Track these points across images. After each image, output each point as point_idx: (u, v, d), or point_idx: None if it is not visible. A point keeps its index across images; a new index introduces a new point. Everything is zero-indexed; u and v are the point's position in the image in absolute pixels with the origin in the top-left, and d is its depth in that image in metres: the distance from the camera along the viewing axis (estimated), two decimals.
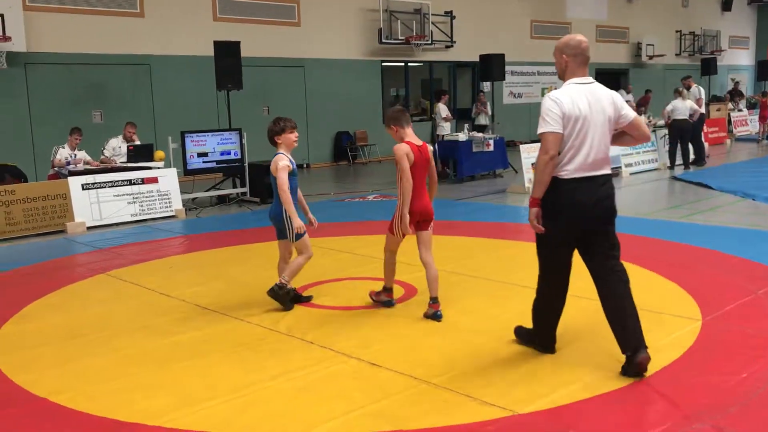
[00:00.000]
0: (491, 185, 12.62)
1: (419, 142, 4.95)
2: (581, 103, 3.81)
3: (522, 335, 4.42)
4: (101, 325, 5.12)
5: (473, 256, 6.87)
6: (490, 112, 16.58)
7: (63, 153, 10.30)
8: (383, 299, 5.32)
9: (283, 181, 5.03)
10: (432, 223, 5.07)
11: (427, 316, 4.99)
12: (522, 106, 21.35)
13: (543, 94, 22.14)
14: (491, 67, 14.75)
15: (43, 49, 12.48)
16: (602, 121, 3.85)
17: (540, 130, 3.82)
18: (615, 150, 13.18)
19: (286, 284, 5.21)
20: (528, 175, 11.48)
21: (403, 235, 5.00)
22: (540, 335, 4.26)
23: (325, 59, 16.55)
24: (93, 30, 13.06)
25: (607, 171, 3.94)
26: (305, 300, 5.50)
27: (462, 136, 13.09)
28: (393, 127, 4.97)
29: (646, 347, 3.83)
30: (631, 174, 13.31)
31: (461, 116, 19.20)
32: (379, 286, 5.51)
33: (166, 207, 10.00)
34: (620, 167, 13.19)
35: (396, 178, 4.98)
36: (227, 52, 11.29)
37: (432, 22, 18.13)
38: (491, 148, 13.28)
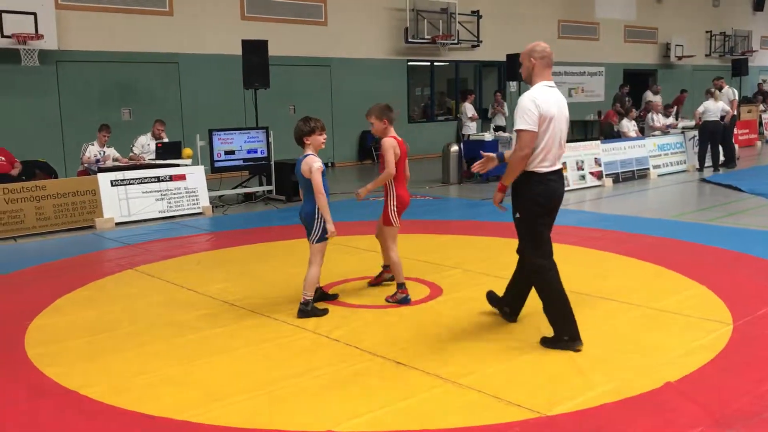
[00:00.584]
0: None
1: (399, 138, 5.43)
2: (553, 105, 4.22)
3: (494, 300, 4.94)
4: (129, 319, 5.18)
5: (498, 257, 6.82)
6: (507, 113, 16.45)
7: (92, 150, 10.43)
8: (399, 297, 5.37)
9: (320, 183, 5.02)
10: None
11: (394, 300, 5.36)
12: None
13: (570, 95, 21.99)
14: (519, 66, 14.60)
15: (74, 47, 12.65)
16: (565, 121, 4.34)
17: (519, 127, 4.18)
18: (642, 151, 13.05)
19: (310, 299, 5.13)
20: None
21: (399, 224, 5.40)
22: (565, 323, 4.34)
23: (352, 58, 16.58)
24: (123, 28, 13.21)
25: (561, 166, 4.42)
26: (331, 298, 5.51)
27: (488, 136, 13.04)
28: (384, 121, 5.36)
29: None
30: (659, 175, 13.15)
31: (486, 116, 19.12)
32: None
33: (194, 204, 10.08)
34: (648, 168, 13.06)
35: (379, 170, 5.42)
36: (255, 51, 11.36)
37: (458, 22, 18.07)
38: None
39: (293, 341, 4.62)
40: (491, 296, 5.06)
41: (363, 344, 4.48)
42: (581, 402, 3.55)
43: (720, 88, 14.76)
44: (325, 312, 5.14)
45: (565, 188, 9.50)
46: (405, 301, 5.34)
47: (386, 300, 5.41)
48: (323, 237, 5.11)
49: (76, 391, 3.88)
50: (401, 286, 5.40)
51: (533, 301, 5.30)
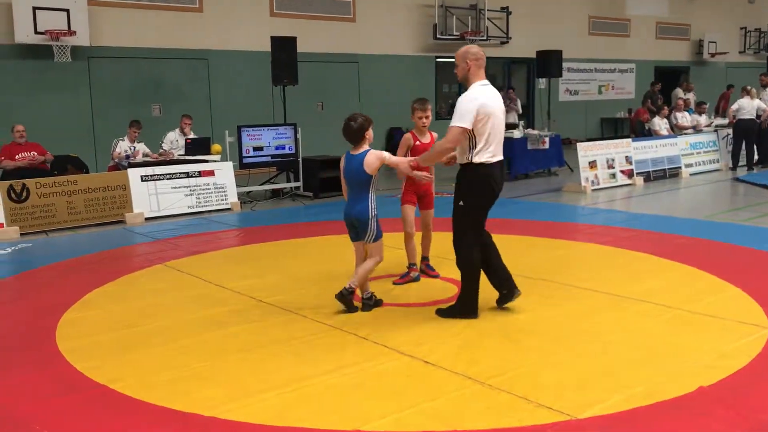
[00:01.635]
0: (546, 184, 12.44)
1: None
2: (492, 103, 4.64)
3: (446, 312, 4.96)
4: (158, 314, 5.22)
5: (527, 256, 6.76)
6: (521, 110, 16.26)
7: (123, 145, 10.54)
8: (413, 276, 5.83)
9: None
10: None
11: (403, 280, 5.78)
12: (578, 103, 20.99)
13: (600, 92, 21.74)
14: (549, 63, 14.53)
15: (105, 43, 12.78)
16: (501, 114, 4.74)
17: (453, 123, 4.59)
18: (674, 150, 12.86)
19: (354, 289, 5.09)
20: (584, 173, 11.28)
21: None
22: (472, 299, 4.87)
23: (380, 55, 16.54)
24: (153, 25, 13.32)
25: (502, 156, 4.82)
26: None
27: (517, 133, 12.93)
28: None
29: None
30: (691, 175, 12.95)
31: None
32: (431, 283, 5.50)
33: (222, 200, 10.14)
34: (680, 167, 12.86)
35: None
36: (284, 48, 11.38)
37: (488, 18, 17.95)
38: (546, 146, 13.09)
39: (321, 338, 4.61)
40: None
41: (390, 342, 4.46)
42: (612, 405, 3.49)
43: (765, 85, 14.46)
44: (355, 310, 5.11)
45: (596, 186, 11.27)
46: (416, 279, 5.89)
47: (394, 283, 5.80)
48: (379, 235, 5.07)
49: (106, 385, 3.91)
50: (413, 265, 5.89)
51: (566, 305, 5.25)
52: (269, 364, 4.19)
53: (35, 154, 9.70)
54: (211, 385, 3.91)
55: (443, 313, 4.97)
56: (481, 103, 4.57)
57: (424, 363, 4.13)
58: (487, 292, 5.30)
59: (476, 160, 4.66)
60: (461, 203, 4.77)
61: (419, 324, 4.85)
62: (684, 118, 14.49)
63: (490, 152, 4.68)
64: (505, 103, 15.28)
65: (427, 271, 6.05)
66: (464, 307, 4.92)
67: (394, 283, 5.86)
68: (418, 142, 5.77)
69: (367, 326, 4.79)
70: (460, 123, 4.58)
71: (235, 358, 4.31)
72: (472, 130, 4.61)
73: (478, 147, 4.64)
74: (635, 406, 3.48)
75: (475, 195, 4.74)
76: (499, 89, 15.45)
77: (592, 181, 11.33)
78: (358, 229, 5.08)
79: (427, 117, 5.74)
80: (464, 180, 4.77)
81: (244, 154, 10.77)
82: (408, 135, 5.88)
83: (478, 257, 4.86)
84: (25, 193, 8.59)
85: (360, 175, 4.99)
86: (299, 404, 3.62)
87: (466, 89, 4.71)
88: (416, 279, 5.89)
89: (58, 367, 4.22)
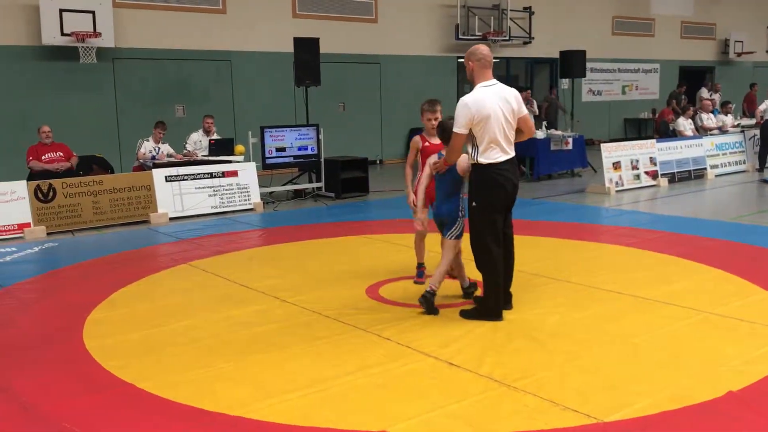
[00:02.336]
0: (570, 185, 12.35)
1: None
2: (489, 104, 4.67)
3: (469, 314, 4.97)
4: (183, 314, 5.25)
5: (552, 258, 6.72)
6: (537, 111, 16.11)
7: (147, 146, 10.62)
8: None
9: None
10: None
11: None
12: (602, 103, 20.83)
13: (624, 92, 21.56)
14: (572, 63, 14.43)
15: (130, 44, 12.90)
16: (509, 114, 4.74)
17: (453, 129, 4.75)
18: (699, 151, 12.71)
19: (435, 291, 5.11)
20: (608, 174, 11.18)
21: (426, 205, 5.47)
22: (493, 300, 4.88)
23: (401, 55, 16.52)
24: (177, 26, 13.43)
25: (513, 153, 4.84)
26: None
27: (539, 134, 12.83)
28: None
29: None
30: (716, 176, 12.79)
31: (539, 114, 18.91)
32: (456, 285, 5.48)
33: (245, 200, 10.19)
34: (705, 168, 12.71)
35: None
36: (306, 49, 11.41)
37: (510, 18, 17.87)
38: (570, 147, 13.00)
39: (345, 339, 4.61)
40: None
41: (415, 344, 4.45)
42: (639, 408, 3.45)
43: None
44: (436, 312, 5.06)
45: (620, 188, 11.29)
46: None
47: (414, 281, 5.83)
48: (460, 234, 5.16)
49: (132, 384, 3.95)
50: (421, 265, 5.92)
51: (592, 308, 5.20)
52: (293, 365, 4.20)
53: (61, 154, 9.80)
54: (236, 385, 3.92)
55: (467, 315, 4.97)
56: (474, 107, 4.66)
57: (449, 365, 4.11)
58: (517, 294, 5.30)
59: (482, 160, 4.74)
60: (474, 204, 4.82)
61: (444, 325, 4.83)
62: (710, 119, 14.31)
63: (496, 151, 4.72)
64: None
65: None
66: (487, 308, 4.92)
67: (415, 282, 5.86)
68: (427, 143, 5.73)
69: (392, 327, 4.78)
70: (456, 129, 4.73)
71: (259, 358, 4.32)
72: (472, 132, 4.71)
73: (481, 148, 4.73)
74: (663, 410, 3.44)
75: (484, 194, 4.78)
76: (521, 90, 15.31)
77: (616, 183, 11.24)
78: (446, 226, 5.18)
79: (436, 119, 5.62)
80: (474, 180, 4.85)
81: (267, 155, 10.81)
82: (417, 138, 5.83)
83: (497, 257, 4.84)
84: (51, 193, 8.70)
85: (454, 175, 5.09)
86: (324, 405, 3.62)
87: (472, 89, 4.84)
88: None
89: (85, 366, 4.26)
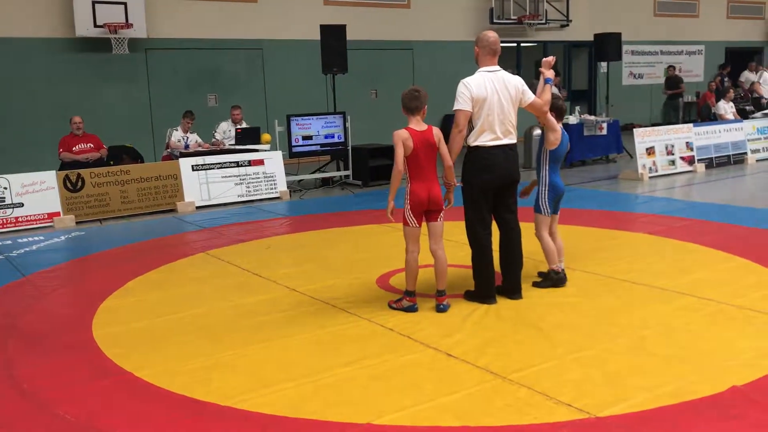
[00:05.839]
0: (604, 171, 12.07)
1: (423, 127, 4.80)
2: (488, 87, 4.80)
3: (469, 295, 5.07)
4: (193, 303, 5.28)
5: (571, 246, 6.52)
6: (565, 99, 15.61)
7: (176, 135, 10.74)
8: (405, 305, 4.86)
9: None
10: (442, 213, 4.89)
11: (397, 307, 4.90)
12: (643, 87, 20.30)
13: (666, 75, 20.97)
14: (607, 46, 14.07)
15: (162, 35, 13.03)
16: (506, 100, 4.83)
17: (454, 108, 4.81)
18: (740, 135, 12.30)
19: (560, 269, 5.34)
20: (641, 160, 10.90)
21: (418, 224, 4.82)
22: (481, 280, 4.96)
23: (435, 41, 16.35)
24: (209, 16, 13.51)
25: (512, 140, 4.93)
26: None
27: (573, 119, 12.58)
28: (403, 111, 4.88)
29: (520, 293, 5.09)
30: (757, 161, 12.35)
31: (576, 98, 18.51)
32: (463, 274, 5.39)
33: (271, 189, 10.23)
34: (745, 153, 12.29)
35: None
36: (333, 36, 11.36)
37: (546, 1, 17.50)
38: (604, 132, 12.70)
39: (348, 329, 4.59)
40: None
41: (417, 335, 4.40)
42: (636, 404, 3.34)
43: None
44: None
45: (653, 174, 11.05)
46: (411, 310, 4.84)
47: (388, 304, 4.98)
48: (538, 209, 5.36)
49: (132, 372, 3.99)
50: (410, 294, 4.88)
51: (604, 298, 5.07)
52: (293, 354, 4.19)
53: (91, 146, 9.97)
54: (233, 374, 3.93)
55: (467, 296, 5.11)
56: (472, 89, 4.80)
57: (448, 356, 4.05)
58: (527, 284, 5.21)
59: (472, 143, 4.87)
60: (462, 184, 4.97)
61: (449, 315, 4.77)
62: (728, 108, 13.51)
63: (487, 134, 4.83)
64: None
65: None
66: (478, 289, 5.02)
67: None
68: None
69: (396, 317, 4.74)
70: (457, 106, 4.83)
71: (260, 347, 4.32)
72: (471, 114, 4.83)
73: (475, 130, 4.85)
74: (661, 405, 3.33)
75: (470, 175, 4.90)
76: (557, 74, 14.82)
77: (650, 168, 10.94)
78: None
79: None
80: (464, 162, 4.96)
81: (294, 143, 10.82)
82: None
83: (483, 240, 4.92)
84: (80, 183, 8.86)
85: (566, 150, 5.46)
86: (315, 396, 3.60)
87: None
88: None
89: (89, 354, 4.32)
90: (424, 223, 4.89)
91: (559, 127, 5.28)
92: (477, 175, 4.87)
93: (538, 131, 12.52)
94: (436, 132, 4.83)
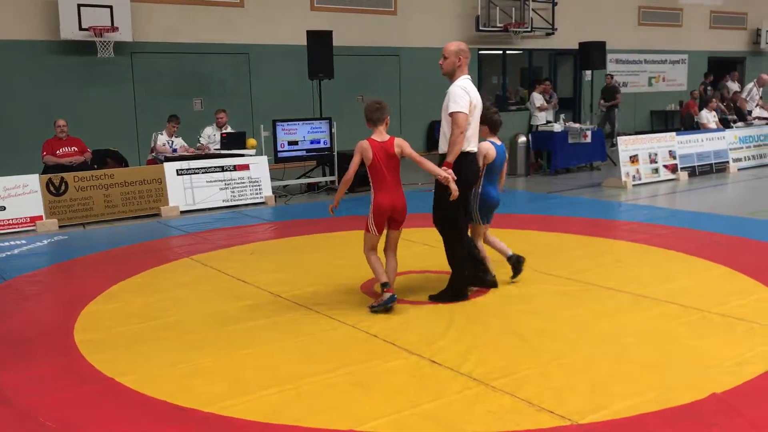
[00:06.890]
0: (588, 178, 12.14)
1: (385, 138, 4.97)
2: (475, 95, 5.02)
3: (439, 297, 5.19)
4: (176, 308, 5.26)
5: (554, 253, 6.60)
6: (557, 105, 15.45)
7: (161, 139, 10.69)
8: (385, 299, 4.89)
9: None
10: (402, 224, 5.14)
11: (378, 305, 4.91)
12: (626, 95, 20.42)
13: (650, 84, 21.16)
14: (591, 54, 14.17)
15: (148, 38, 12.99)
16: (480, 109, 5.15)
17: (453, 110, 4.90)
18: (722, 144, 12.43)
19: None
20: (625, 168, 10.98)
21: (378, 233, 5.00)
22: (462, 282, 5.19)
23: (421, 48, 16.39)
24: (195, 20, 13.48)
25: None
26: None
27: (557, 127, 12.66)
28: (367, 123, 5.06)
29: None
30: (739, 169, 12.49)
31: (561, 105, 18.62)
32: (434, 278, 5.41)
33: (257, 194, 10.21)
34: (727, 162, 12.42)
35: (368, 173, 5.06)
36: (319, 42, 11.37)
37: (532, 9, 17.63)
38: (588, 139, 12.79)
39: (331, 335, 4.59)
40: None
41: (400, 341, 4.40)
42: (617, 411, 3.37)
43: None
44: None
45: (637, 182, 11.30)
46: (391, 300, 4.89)
47: (369, 307, 4.99)
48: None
49: (113, 378, 3.96)
50: (385, 285, 4.94)
51: (586, 305, 5.10)
52: (275, 360, 4.18)
53: (75, 149, 9.90)
54: (215, 380, 3.92)
55: (436, 298, 5.21)
56: (471, 95, 4.99)
57: (431, 362, 4.06)
58: (515, 290, 5.24)
59: (465, 148, 4.99)
60: (462, 184, 5.00)
61: (432, 322, 4.78)
62: (709, 118, 13.57)
63: (474, 141, 5.10)
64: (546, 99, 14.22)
65: None
66: (455, 290, 5.20)
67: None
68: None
69: (380, 324, 4.74)
70: (459, 108, 4.91)
71: (242, 353, 4.31)
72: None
73: (467, 136, 5.00)
74: (641, 412, 3.35)
75: (467, 177, 5.06)
76: (541, 82, 14.87)
77: (633, 176, 11.02)
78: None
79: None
80: (462, 166, 5.00)
81: (279, 149, 10.81)
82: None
83: (465, 236, 5.27)
84: (63, 187, 8.80)
85: (503, 162, 5.58)
86: (298, 402, 3.60)
87: (450, 83, 5.07)
88: None
89: (71, 360, 4.29)
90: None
91: (489, 142, 5.44)
92: (471, 178, 5.15)
93: (522, 138, 12.65)
94: (398, 142, 4.95)
